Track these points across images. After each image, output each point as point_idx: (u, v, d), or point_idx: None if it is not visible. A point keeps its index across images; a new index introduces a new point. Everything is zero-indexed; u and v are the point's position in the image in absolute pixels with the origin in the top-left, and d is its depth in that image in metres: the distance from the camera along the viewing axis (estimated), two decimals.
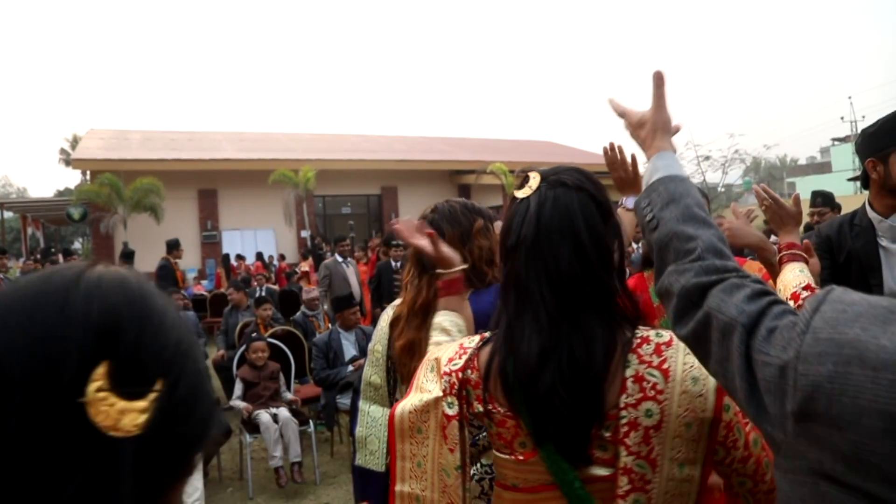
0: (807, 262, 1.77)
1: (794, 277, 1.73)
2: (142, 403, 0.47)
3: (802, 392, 0.67)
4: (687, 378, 0.96)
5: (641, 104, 1.16)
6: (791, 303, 2.10)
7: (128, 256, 9.07)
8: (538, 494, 1.04)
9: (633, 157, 1.64)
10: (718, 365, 0.83)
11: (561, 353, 1.00)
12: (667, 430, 0.95)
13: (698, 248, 0.92)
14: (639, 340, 1.02)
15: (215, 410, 0.56)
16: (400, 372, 1.84)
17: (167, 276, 8.59)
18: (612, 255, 1.08)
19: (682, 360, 0.98)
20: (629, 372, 0.98)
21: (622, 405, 0.97)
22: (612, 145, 1.68)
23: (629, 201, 1.67)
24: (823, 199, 5.42)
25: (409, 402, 1.20)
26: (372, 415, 1.89)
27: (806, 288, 1.67)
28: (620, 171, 1.69)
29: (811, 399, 0.65)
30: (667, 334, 1.02)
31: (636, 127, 1.14)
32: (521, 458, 1.06)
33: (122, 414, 0.46)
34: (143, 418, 0.47)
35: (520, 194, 1.10)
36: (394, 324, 1.86)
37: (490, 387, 1.08)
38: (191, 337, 0.55)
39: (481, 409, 1.11)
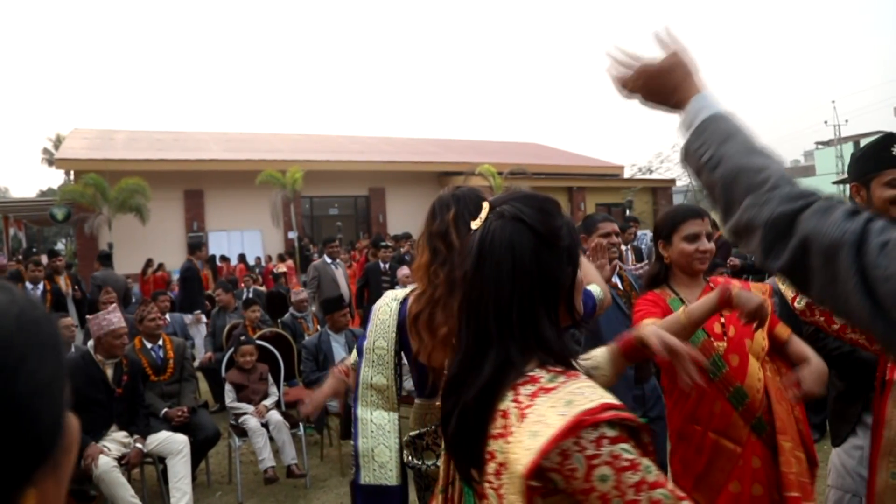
0: None
1: None
2: None
3: None
4: (530, 429, 0.92)
5: (650, 55, 1.09)
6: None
7: (105, 259, 8.62)
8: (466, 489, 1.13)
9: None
10: (823, 290, 0.81)
11: (464, 385, 1.05)
12: (510, 471, 0.94)
13: (772, 177, 0.89)
14: (525, 379, 1.00)
15: (41, 443, 0.47)
16: (433, 365, 1.61)
17: (192, 277, 8.30)
18: (544, 288, 1.05)
19: (543, 410, 0.93)
20: (501, 406, 0.99)
21: (488, 434, 0.99)
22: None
23: None
24: None
25: None
26: (376, 422, 1.68)
27: None
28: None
29: None
30: (560, 379, 0.98)
31: (657, 76, 1.07)
32: None
33: None
34: None
35: (473, 226, 1.13)
36: (415, 318, 1.64)
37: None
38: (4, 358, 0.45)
39: None
